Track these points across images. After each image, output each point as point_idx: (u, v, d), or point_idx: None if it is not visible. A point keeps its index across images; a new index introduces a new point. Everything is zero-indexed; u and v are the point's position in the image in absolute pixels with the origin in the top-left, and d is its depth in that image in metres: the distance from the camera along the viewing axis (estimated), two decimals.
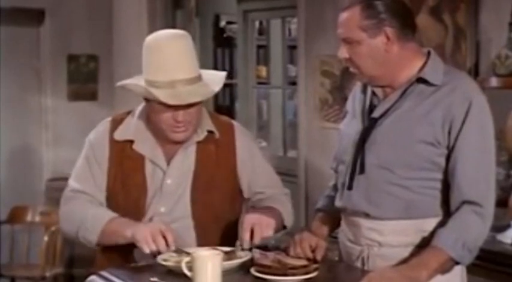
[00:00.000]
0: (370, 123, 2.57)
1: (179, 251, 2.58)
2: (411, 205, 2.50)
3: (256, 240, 2.62)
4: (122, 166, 2.80)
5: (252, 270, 2.45)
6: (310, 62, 5.35)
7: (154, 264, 2.61)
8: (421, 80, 2.52)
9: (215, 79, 2.80)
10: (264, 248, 2.65)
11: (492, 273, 3.35)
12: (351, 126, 2.66)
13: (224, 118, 2.98)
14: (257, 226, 2.63)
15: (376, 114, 2.57)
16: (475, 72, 4.05)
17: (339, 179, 2.67)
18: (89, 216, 2.75)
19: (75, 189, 2.83)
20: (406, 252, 2.51)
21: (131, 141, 2.80)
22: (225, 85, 8.37)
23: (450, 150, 2.48)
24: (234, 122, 2.97)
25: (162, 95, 2.63)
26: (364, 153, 2.54)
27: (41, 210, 6.10)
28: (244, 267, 2.51)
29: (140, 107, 2.85)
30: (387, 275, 2.36)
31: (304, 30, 5.39)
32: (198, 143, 2.82)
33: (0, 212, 6.12)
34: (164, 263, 2.53)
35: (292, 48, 6.29)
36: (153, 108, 2.72)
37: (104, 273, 2.57)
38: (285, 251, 2.64)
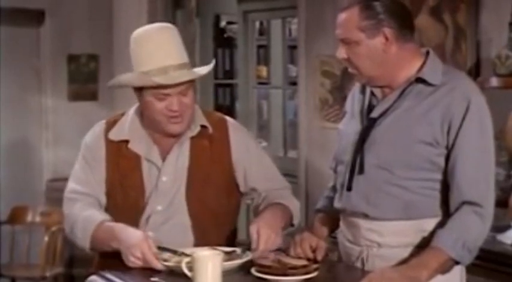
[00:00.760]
0: (369, 123, 2.57)
1: (162, 249, 2.58)
2: (410, 205, 2.50)
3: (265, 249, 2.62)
4: (119, 166, 2.81)
5: (253, 270, 2.45)
6: (310, 62, 5.35)
7: None
8: (419, 80, 2.52)
9: (204, 68, 2.86)
10: None
11: (492, 273, 3.34)
12: (349, 126, 2.65)
13: (217, 114, 3.01)
14: (266, 235, 2.62)
15: (374, 114, 2.57)
16: (475, 72, 4.05)
17: (338, 179, 2.66)
18: (79, 222, 2.76)
19: (75, 190, 2.84)
20: (405, 253, 2.51)
21: (126, 141, 2.81)
22: (226, 85, 8.38)
23: (449, 150, 2.48)
24: (227, 118, 2.98)
25: (156, 79, 2.66)
26: (363, 153, 2.54)
27: (41, 210, 6.10)
28: (245, 267, 2.51)
29: (133, 108, 2.87)
30: (387, 275, 2.36)
31: (304, 31, 5.39)
32: (192, 138, 2.83)
33: (1, 212, 6.12)
34: (165, 263, 2.53)
35: (293, 48, 6.30)
36: (147, 103, 2.73)
37: (104, 273, 2.57)
38: (285, 251, 2.64)
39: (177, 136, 2.79)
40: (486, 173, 2.49)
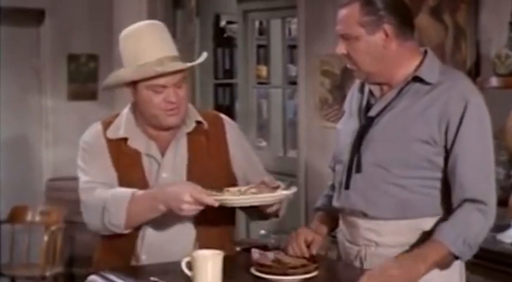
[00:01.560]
0: (366, 122, 2.57)
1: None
2: (408, 204, 2.51)
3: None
4: (121, 163, 2.81)
5: (252, 270, 2.46)
6: (310, 61, 5.35)
7: (154, 264, 2.62)
8: (417, 79, 2.53)
9: (199, 59, 2.90)
10: (263, 247, 2.65)
11: (492, 272, 3.35)
12: (348, 125, 2.66)
13: (210, 111, 3.08)
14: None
15: (372, 113, 2.58)
16: (475, 72, 4.05)
17: (336, 178, 2.67)
18: (109, 200, 2.72)
19: (89, 180, 2.81)
20: (402, 252, 2.51)
21: (125, 139, 2.82)
22: (225, 85, 8.38)
23: (449, 149, 2.48)
24: (221, 114, 3.01)
25: (157, 69, 2.70)
26: (361, 152, 2.55)
27: (41, 209, 6.10)
28: (244, 266, 2.51)
29: (126, 108, 2.89)
30: (387, 273, 2.36)
31: (304, 30, 5.39)
32: (189, 135, 2.85)
33: (1, 211, 6.13)
34: (216, 197, 2.55)
35: (292, 48, 6.30)
36: (144, 98, 2.75)
37: (104, 272, 2.57)
38: (285, 250, 2.65)
39: (173, 129, 2.81)
40: (487, 172, 2.50)
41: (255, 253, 2.54)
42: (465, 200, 2.45)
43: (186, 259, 2.40)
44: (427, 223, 2.51)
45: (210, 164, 2.84)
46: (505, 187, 3.72)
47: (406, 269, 2.38)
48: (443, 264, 2.45)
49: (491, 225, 2.51)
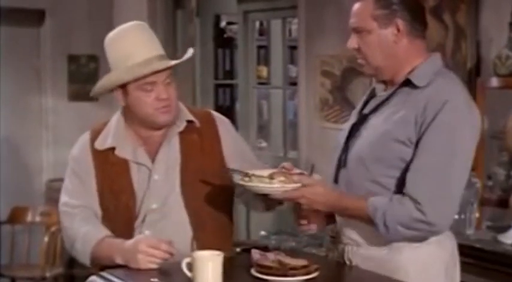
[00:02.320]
0: (359, 119, 2.63)
1: (233, 171, 2.64)
2: None
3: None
4: (108, 173, 2.83)
5: (253, 271, 2.45)
6: (310, 62, 5.35)
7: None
8: (408, 81, 2.54)
9: (185, 56, 2.91)
10: (264, 248, 2.64)
11: (493, 273, 3.34)
12: (347, 124, 2.70)
13: (201, 109, 3.06)
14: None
15: (366, 110, 2.62)
16: (475, 72, 4.05)
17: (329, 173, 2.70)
18: (78, 238, 2.79)
19: (69, 204, 2.85)
20: (380, 253, 2.53)
21: (113, 149, 2.83)
22: (226, 85, 8.38)
23: (416, 145, 2.46)
24: (211, 111, 3.03)
25: (144, 70, 2.72)
26: (348, 147, 2.60)
27: (41, 210, 6.11)
28: (244, 267, 2.51)
29: (116, 115, 2.91)
30: (317, 199, 2.48)
31: (304, 31, 5.39)
32: (181, 134, 2.85)
33: (1, 212, 6.12)
34: (242, 183, 2.53)
35: (293, 48, 6.30)
36: (135, 99, 2.77)
37: (104, 273, 2.56)
38: (285, 250, 2.65)
39: (165, 127, 2.82)
40: (445, 190, 2.43)
41: (255, 254, 2.54)
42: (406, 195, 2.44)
43: (186, 260, 2.40)
44: None
45: (204, 162, 2.84)
46: (505, 188, 3.72)
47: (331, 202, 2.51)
48: (366, 221, 2.48)
49: (435, 233, 2.47)
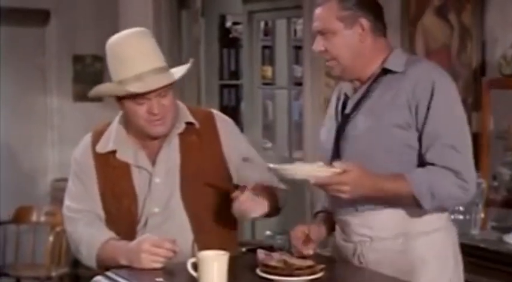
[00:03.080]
0: (343, 120, 2.65)
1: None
2: None
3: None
4: (109, 177, 2.82)
5: (258, 271, 2.45)
6: (315, 62, 5.34)
7: None
8: (385, 71, 2.60)
9: (182, 69, 2.84)
10: (269, 248, 2.64)
11: (498, 273, 3.34)
12: (328, 129, 2.73)
13: (203, 108, 3.07)
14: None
15: (347, 110, 2.65)
16: (480, 73, 4.05)
17: None
18: (83, 242, 2.79)
19: (73, 208, 2.85)
20: (396, 244, 2.56)
21: (114, 152, 2.83)
22: (231, 85, 8.37)
23: (421, 130, 2.52)
24: (213, 110, 3.00)
25: (131, 88, 2.67)
26: (340, 148, 2.61)
27: (46, 210, 6.12)
28: (249, 267, 2.51)
29: (117, 117, 2.89)
30: (361, 182, 2.43)
31: (309, 31, 5.35)
32: (181, 135, 2.84)
33: (6, 212, 6.13)
34: (282, 169, 2.49)
35: (298, 48, 6.30)
36: (128, 109, 2.74)
37: (109, 273, 2.57)
38: (290, 251, 2.65)
39: (162, 137, 2.80)
40: (463, 141, 2.54)
41: (261, 254, 2.54)
42: (443, 167, 2.49)
43: (192, 260, 2.40)
44: (416, 211, 2.53)
45: (204, 163, 2.83)
46: (511, 188, 3.71)
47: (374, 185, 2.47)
48: (401, 201, 2.50)
49: (468, 199, 2.54)
